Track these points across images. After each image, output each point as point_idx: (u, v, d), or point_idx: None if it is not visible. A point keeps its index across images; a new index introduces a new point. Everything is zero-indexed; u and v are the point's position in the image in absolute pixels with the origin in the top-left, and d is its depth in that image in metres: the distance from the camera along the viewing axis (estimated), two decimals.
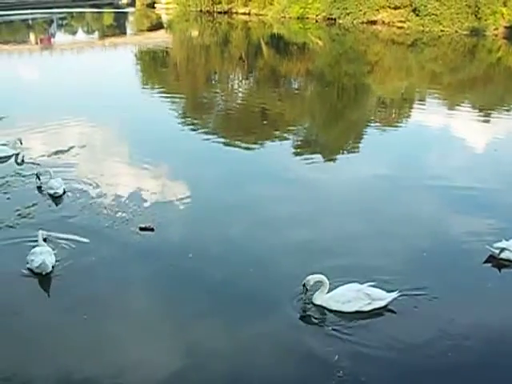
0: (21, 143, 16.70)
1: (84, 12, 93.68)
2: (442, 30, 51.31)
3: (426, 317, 8.99)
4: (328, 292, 9.22)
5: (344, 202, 13.63)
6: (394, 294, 9.14)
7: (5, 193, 13.72)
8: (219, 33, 60.96)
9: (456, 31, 50.80)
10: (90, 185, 14.17)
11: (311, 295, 9.23)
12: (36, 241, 10.63)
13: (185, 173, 15.27)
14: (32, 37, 61.84)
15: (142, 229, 11.60)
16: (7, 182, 14.42)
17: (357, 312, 9.06)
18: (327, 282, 9.19)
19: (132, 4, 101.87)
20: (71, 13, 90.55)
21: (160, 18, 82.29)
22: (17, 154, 16.40)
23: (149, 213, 12.46)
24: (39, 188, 13.94)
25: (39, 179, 13.99)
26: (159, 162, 15.95)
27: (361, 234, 11.83)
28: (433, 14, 52.14)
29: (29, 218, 12.26)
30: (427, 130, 21.25)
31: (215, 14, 74.33)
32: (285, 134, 20.01)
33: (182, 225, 12.25)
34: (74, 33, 70.49)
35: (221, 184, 14.97)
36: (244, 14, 71.77)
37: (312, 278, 9.16)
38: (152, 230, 11.59)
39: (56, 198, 13.36)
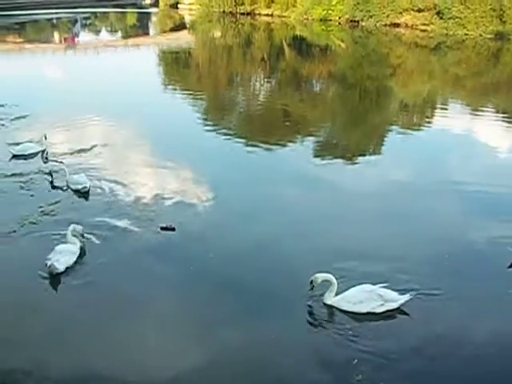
0: (45, 138, 16.88)
1: (108, 12, 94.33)
2: (465, 34, 50.91)
3: (445, 320, 8.93)
4: (337, 292, 9.22)
5: (365, 205, 13.53)
6: (407, 296, 9.09)
7: (28, 189, 13.86)
8: (242, 34, 61.06)
9: (480, 35, 50.37)
10: (112, 183, 14.27)
11: (322, 295, 9.25)
12: (59, 236, 10.80)
13: (206, 173, 15.29)
14: (56, 36, 62.41)
15: (163, 228, 11.64)
16: (31, 178, 14.56)
17: (369, 313, 9.03)
18: (335, 282, 9.19)
19: (155, 4, 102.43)
20: (95, 13, 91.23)
21: (183, 18, 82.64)
22: (43, 151, 16.62)
23: (170, 212, 12.52)
24: (51, 183, 14.25)
25: (52, 176, 14.33)
26: (181, 161, 15.99)
27: (381, 236, 11.75)
28: (457, 18, 51.76)
29: (51, 215, 12.37)
30: (450, 134, 21.08)
31: (238, 15, 74.47)
32: (306, 136, 19.97)
33: (202, 225, 12.25)
34: (98, 32, 71.01)
35: (242, 184, 15.00)
36: (267, 15, 71.82)
37: (320, 276, 9.20)
38: (173, 229, 11.63)
39: (81, 194, 13.52)
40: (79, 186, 13.65)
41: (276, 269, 10.28)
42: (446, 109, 26.13)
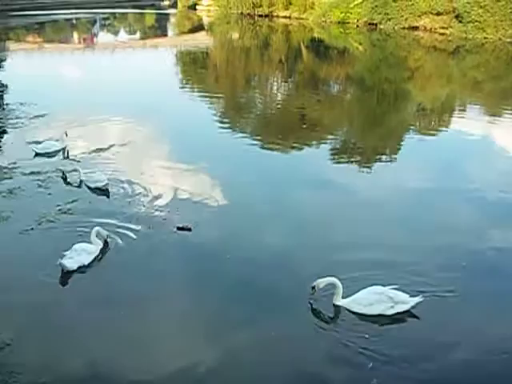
0: (66, 136, 17.14)
1: (126, 12, 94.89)
2: (485, 38, 50.51)
3: (457, 323, 8.90)
4: (348, 295, 9.23)
5: (381, 209, 13.48)
6: (418, 298, 9.05)
7: (47, 187, 13.99)
8: (259, 36, 61.12)
9: (500, 38, 49.96)
10: (129, 182, 14.34)
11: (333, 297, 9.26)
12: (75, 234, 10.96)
13: (222, 174, 15.31)
14: (75, 36, 62.89)
15: (179, 228, 11.68)
16: (49, 177, 14.69)
17: (380, 315, 9.01)
18: (339, 285, 9.18)
19: (174, 5, 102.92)
20: (114, 13, 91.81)
21: (201, 19, 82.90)
22: (64, 149, 16.89)
23: (186, 213, 12.54)
24: (64, 179, 14.44)
25: (64, 174, 14.49)
26: (197, 162, 16.03)
27: (397, 240, 11.69)
28: (476, 21, 51.36)
29: (68, 213, 12.47)
30: (467, 138, 20.92)
31: (256, 17, 74.54)
32: (323, 138, 19.96)
33: (219, 226, 12.27)
34: (116, 33, 71.46)
35: (258, 186, 15.00)
36: (285, 17, 71.79)
37: (322, 282, 9.20)
38: (189, 229, 11.66)
39: (99, 192, 13.72)
40: (99, 184, 13.84)
41: (291, 271, 10.27)
42: (464, 113, 25.96)
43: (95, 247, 10.70)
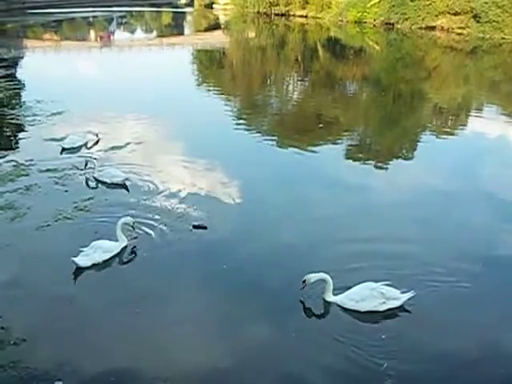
0: (97, 136, 17.75)
1: (143, 11, 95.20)
2: (502, 38, 50.16)
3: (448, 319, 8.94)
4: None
5: (395, 209, 13.45)
6: (409, 294, 9.12)
7: (63, 185, 14.09)
8: (276, 35, 61.08)
9: None
10: (146, 180, 14.42)
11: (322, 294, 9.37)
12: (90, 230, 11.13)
13: (238, 172, 15.35)
14: (92, 34, 63.17)
15: (195, 227, 11.71)
16: (66, 174, 14.80)
17: (371, 312, 9.09)
18: (330, 281, 9.26)
19: (190, 4, 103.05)
20: (131, 11, 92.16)
21: (218, 18, 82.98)
22: (86, 144, 17.45)
23: (202, 211, 12.57)
24: (86, 178, 14.62)
25: (86, 167, 14.69)
26: (213, 160, 16.05)
27: (411, 241, 11.58)
28: (494, 21, 51.04)
29: (85, 210, 12.56)
30: (484, 140, 20.82)
31: (272, 16, 74.52)
32: (339, 138, 19.93)
33: (234, 224, 12.33)
34: (133, 31, 71.74)
35: (273, 185, 15.02)
36: (301, 16, 71.69)
37: (312, 277, 9.31)
38: (205, 228, 11.69)
39: (117, 188, 13.94)
40: (115, 179, 14.08)
41: (304, 270, 10.26)
42: (481, 113, 25.79)
43: (116, 244, 10.77)
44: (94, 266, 10.27)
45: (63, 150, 16.82)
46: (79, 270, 10.11)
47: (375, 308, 9.11)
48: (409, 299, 9.14)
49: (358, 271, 10.02)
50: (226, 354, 8.16)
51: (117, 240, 10.85)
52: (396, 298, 9.14)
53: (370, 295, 9.11)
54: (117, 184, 14.04)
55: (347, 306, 9.16)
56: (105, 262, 10.45)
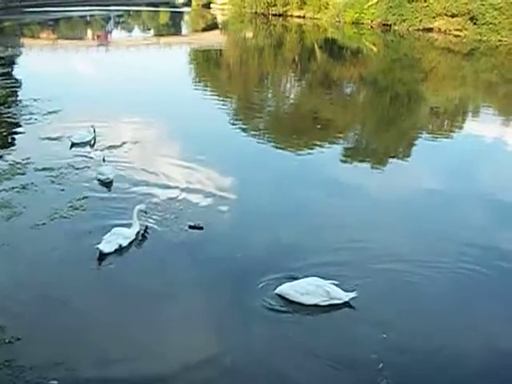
0: (92, 127, 17.83)
1: (141, 10, 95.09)
2: (499, 40, 50.28)
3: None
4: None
5: (391, 211, 13.52)
6: (353, 294, 9.31)
7: (59, 183, 14.08)
8: (273, 35, 61.07)
9: None
10: (142, 181, 14.41)
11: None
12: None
13: (234, 173, 15.34)
14: (89, 33, 63.05)
15: (191, 227, 11.71)
16: (62, 173, 14.78)
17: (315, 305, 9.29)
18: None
19: (188, 4, 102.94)
20: (128, 10, 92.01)
21: (215, 18, 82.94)
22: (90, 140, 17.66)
23: (198, 211, 12.58)
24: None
25: (104, 161, 15.24)
26: (209, 161, 16.01)
27: (406, 243, 11.69)
28: (491, 23, 51.14)
29: (80, 210, 12.55)
30: (480, 141, 20.87)
31: (270, 17, 74.48)
32: (335, 139, 19.95)
33: (230, 225, 12.34)
34: (130, 30, 71.60)
35: (269, 186, 15.01)
36: (299, 17, 71.68)
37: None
38: (201, 228, 11.69)
39: (106, 185, 14.04)
40: (101, 177, 14.22)
41: (301, 273, 10.27)
42: (478, 115, 25.87)
43: (129, 231, 11.20)
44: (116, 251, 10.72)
45: (73, 145, 17.09)
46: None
47: (318, 303, 9.29)
48: (351, 299, 9.31)
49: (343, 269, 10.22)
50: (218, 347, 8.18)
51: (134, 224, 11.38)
52: (340, 297, 9.31)
53: (315, 291, 9.29)
54: (108, 181, 14.15)
55: (291, 297, 9.31)
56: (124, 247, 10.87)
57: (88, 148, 17.07)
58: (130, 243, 11.06)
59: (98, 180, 14.22)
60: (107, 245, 10.59)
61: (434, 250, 11.39)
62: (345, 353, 8.26)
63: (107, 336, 8.52)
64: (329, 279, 9.51)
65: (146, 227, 11.71)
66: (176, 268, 10.45)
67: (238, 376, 7.82)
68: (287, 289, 9.38)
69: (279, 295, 9.39)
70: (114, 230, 10.96)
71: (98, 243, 10.57)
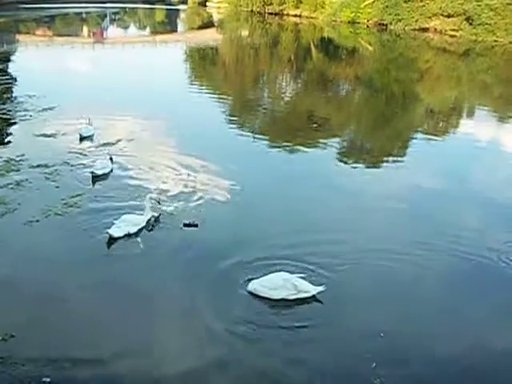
0: (90, 124, 18.16)
1: (137, 7, 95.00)
2: (495, 40, 50.41)
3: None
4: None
5: (386, 210, 13.49)
6: (321, 288, 9.38)
7: (54, 180, 14.04)
8: (269, 34, 61.11)
9: (510, 42, 49.79)
10: (136, 178, 14.37)
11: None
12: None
13: (230, 171, 15.28)
14: (85, 30, 63.01)
15: (186, 225, 11.69)
16: (56, 170, 14.76)
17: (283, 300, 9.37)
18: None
19: (184, 1, 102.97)
20: (124, 8, 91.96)
21: (211, 16, 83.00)
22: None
23: (193, 209, 12.56)
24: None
25: (112, 161, 15.07)
26: (204, 159, 15.96)
27: (401, 243, 11.67)
28: (486, 24, 51.27)
29: (75, 207, 12.52)
30: (475, 142, 20.83)
31: (266, 15, 74.57)
32: (331, 138, 19.91)
33: (225, 223, 12.28)
34: (126, 28, 71.64)
35: (265, 184, 15.00)
36: (295, 16, 71.81)
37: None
38: (196, 226, 11.68)
39: (95, 179, 14.18)
40: (95, 171, 14.35)
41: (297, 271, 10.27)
42: (473, 116, 25.91)
43: (140, 218, 11.55)
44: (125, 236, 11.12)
45: (82, 138, 17.48)
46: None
47: (286, 297, 9.36)
48: (319, 293, 9.37)
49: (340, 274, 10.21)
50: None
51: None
52: (307, 290, 9.39)
53: (282, 285, 9.36)
54: (97, 175, 14.27)
55: (261, 293, 9.37)
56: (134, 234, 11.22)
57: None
58: (140, 230, 11.42)
59: (92, 173, 14.28)
60: (117, 229, 11.01)
61: (417, 247, 11.41)
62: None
63: (97, 330, 8.52)
64: (298, 274, 9.64)
65: (159, 215, 11.98)
66: (166, 264, 10.48)
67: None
68: (257, 285, 9.44)
69: (250, 292, 9.45)
70: (124, 216, 11.37)
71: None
